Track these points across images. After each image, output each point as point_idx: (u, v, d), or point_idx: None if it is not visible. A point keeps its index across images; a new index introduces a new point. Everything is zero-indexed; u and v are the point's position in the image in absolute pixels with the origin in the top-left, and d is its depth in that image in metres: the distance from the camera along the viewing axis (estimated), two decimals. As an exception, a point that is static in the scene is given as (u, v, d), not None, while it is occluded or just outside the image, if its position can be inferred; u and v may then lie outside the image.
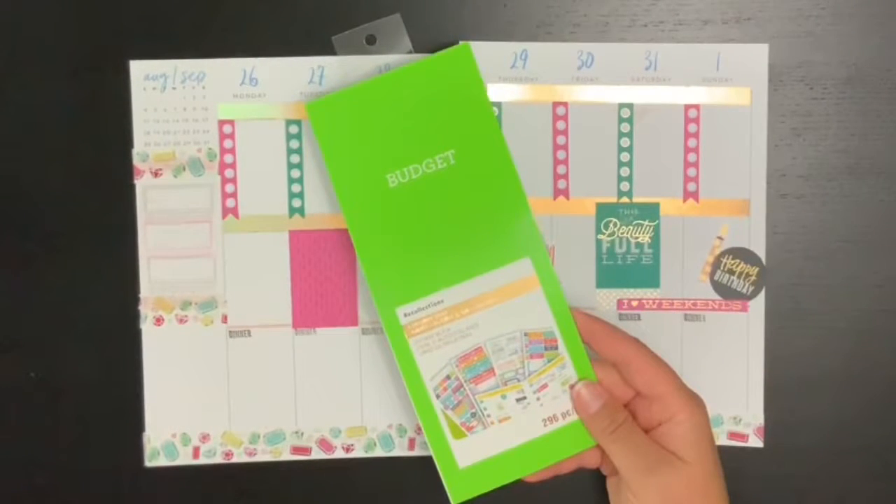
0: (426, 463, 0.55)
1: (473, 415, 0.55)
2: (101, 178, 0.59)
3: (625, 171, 0.60)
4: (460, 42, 0.59)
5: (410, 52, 0.59)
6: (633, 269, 0.60)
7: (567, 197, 0.60)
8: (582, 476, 0.59)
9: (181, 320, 0.60)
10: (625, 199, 0.60)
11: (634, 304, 0.61)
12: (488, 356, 0.55)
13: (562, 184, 0.60)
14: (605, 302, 0.61)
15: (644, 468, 0.51)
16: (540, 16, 0.59)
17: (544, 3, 0.59)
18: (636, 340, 0.54)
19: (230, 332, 0.60)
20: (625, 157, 0.60)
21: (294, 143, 0.59)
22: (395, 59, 0.59)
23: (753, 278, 0.60)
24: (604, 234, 0.60)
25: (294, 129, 0.59)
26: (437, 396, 0.55)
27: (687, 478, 0.51)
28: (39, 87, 0.59)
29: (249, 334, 0.60)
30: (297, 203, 0.60)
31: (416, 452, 0.61)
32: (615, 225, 0.60)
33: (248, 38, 0.59)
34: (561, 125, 0.60)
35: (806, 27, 0.59)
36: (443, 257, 0.55)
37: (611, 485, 0.57)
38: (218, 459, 0.60)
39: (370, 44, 0.56)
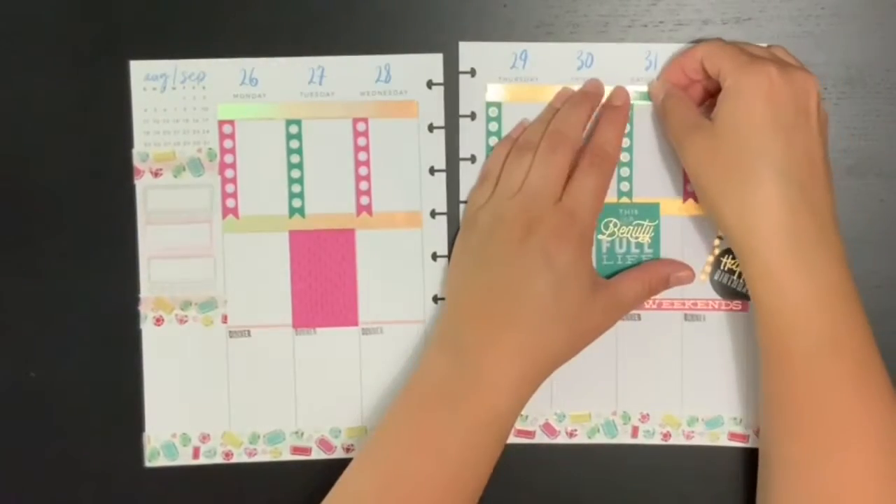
0: (426, 463, 0.55)
1: None
2: (101, 178, 0.59)
3: (625, 172, 0.60)
4: (460, 42, 0.59)
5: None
6: (633, 269, 0.60)
7: (567, 197, 0.60)
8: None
9: (181, 320, 0.60)
10: (625, 200, 0.60)
11: (634, 304, 0.60)
12: None
13: (562, 184, 0.60)
14: (605, 302, 0.61)
15: (682, 131, 0.53)
16: (540, 16, 0.59)
17: (544, 3, 0.59)
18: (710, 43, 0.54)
19: (230, 332, 0.60)
20: (625, 157, 0.60)
21: (294, 143, 0.59)
22: (396, 59, 0.59)
23: (753, 278, 0.60)
24: (604, 234, 0.60)
25: (294, 129, 0.59)
26: None
27: (709, 139, 0.51)
28: (39, 87, 0.59)
29: (249, 334, 0.60)
30: (297, 203, 0.60)
31: (416, 452, 0.60)
32: (615, 225, 0.60)
33: (248, 38, 0.59)
34: (561, 125, 0.60)
35: (806, 27, 0.59)
36: None
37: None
38: (218, 459, 0.60)
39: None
